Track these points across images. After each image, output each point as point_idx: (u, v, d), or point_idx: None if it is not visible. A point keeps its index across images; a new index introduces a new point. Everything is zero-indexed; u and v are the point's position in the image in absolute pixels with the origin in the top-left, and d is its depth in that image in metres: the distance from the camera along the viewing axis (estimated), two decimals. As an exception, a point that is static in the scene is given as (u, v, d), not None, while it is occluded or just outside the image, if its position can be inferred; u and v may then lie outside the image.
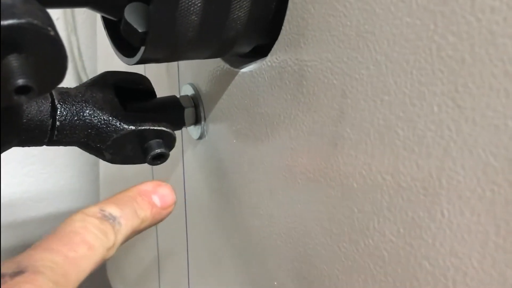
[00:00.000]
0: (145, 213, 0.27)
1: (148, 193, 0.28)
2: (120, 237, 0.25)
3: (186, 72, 0.42)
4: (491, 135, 0.18)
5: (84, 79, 0.87)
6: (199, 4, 0.26)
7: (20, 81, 0.19)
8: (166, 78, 0.47)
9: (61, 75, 0.22)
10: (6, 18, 0.19)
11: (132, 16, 0.27)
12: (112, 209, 0.25)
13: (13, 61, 0.20)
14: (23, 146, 0.34)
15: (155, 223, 0.28)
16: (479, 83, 0.18)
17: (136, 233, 0.27)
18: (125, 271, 0.79)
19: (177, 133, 0.40)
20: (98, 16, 0.49)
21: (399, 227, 0.23)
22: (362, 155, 0.24)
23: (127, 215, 0.26)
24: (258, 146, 0.34)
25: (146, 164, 0.41)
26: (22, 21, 0.20)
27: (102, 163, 0.82)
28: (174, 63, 0.44)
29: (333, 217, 0.27)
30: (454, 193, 0.20)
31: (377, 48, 0.22)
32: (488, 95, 0.18)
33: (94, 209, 0.25)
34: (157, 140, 0.37)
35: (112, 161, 0.37)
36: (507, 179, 0.18)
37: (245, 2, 0.27)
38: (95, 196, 0.98)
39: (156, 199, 0.28)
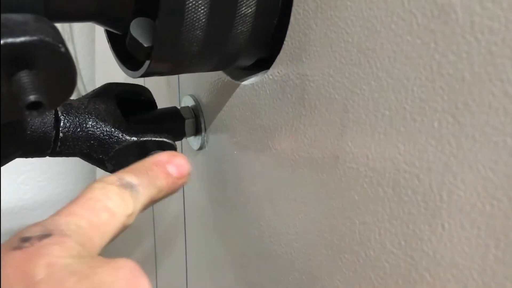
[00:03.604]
0: (161, 182, 0.27)
1: (163, 163, 0.28)
2: (139, 204, 0.26)
3: (187, 84, 0.43)
4: (491, 151, 0.19)
5: (81, 88, 0.88)
6: (203, 20, 0.27)
7: (32, 97, 0.20)
8: (166, 90, 0.47)
9: (70, 90, 0.22)
10: (19, 36, 0.20)
11: (137, 30, 0.27)
12: (130, 178, 0.26)
13: (24, 77, 0.20)
14: (26, 157, 0.34)
15: (171, 193, 0.29)
16: (479, 101, 0.19)
17: (154, 201, 0.28)
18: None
19: (177, 143, 0.40)
20: (96, 26, 0.50)
21: (400, 239, 0.23)
22: (363, 168, 0.25)
23: (144, 183, 0.26)
24: (259, 158, 0.34)
25: None
26: (34, 38, 0.20)
27: (100, 171, 0.82)
28: (175, 75, 0.45)
29: (334, 229, 0.28)
30: (455, 207, 0.20)
31: (378, 65, 0.23)
32: (487, 113, 0.18)
33: (113, 178, 0.25)
34: (158, 151, 0.38)
35: (113, 172, 0.37)
36: (506, 194, 0.18)
37: (248, 18, 0.28)
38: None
39: (171, 169, 0.28)
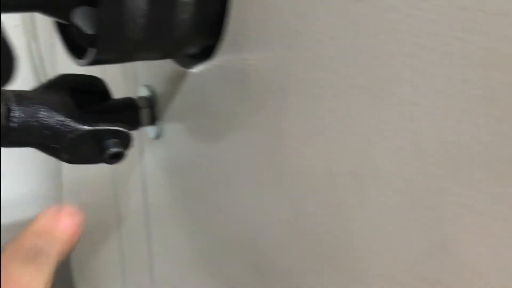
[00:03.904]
0: (55, 245, 0.28)
1: (51, 227, 0.29)
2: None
3: (142, 74, 0.44)
4: (401, 119, 0.20)
5: (45, 84, 0.87)
6: (144, 7, 0.27)
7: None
8: (122, 80, 0.48)
9: (9, 76, 0.23)
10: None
11: (80, 19, 0.28)
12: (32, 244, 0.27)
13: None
14: (-22, 148, 0.35)
15: (71, 247, 0.30)
16: (392, 73, 0.20)
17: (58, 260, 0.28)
18: (90, 273, 0.79)
19: (136, 133, 0.41)
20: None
21: (335, 210, 0.25)
22: (301, 147, 0.26)
23: (48, 252, 0.27)
24: (211, 143, 0.35)
25: (107, 166, 0.42)
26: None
27: (65, 169, 0.82)
28: (130, 66, 0.45)
29: (277, 203, 0.29)
30: (377, 175, 0.22)
31: (307, 45, 0.24)
32: (397, 84, 0.20)
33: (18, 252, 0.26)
34: (114, 139, 0.38)
35: (70, 161, 0.38)
36: (417, 159, 0.20)
37: (188, 5, 0.29)
38: (58, 202, 0.97)
39: (61, 230, 0.29)
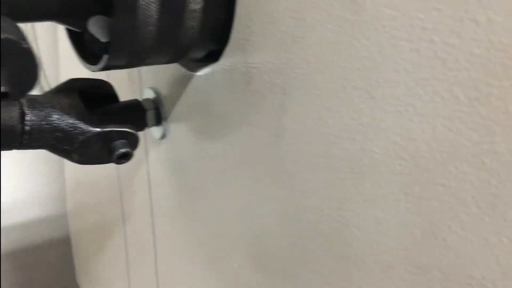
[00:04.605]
0: None
1: None
2: None
3: (147, 77, 0.46)
4: (396, 119, 0.22)
5: (45, 86, 0.89)
6: (155, 16, 0.29)
7: (1, 88, 0.22)
8: (128, 83, 0.50)
9: (33, 82, 0.25)
10: (-15, 34, 0.22)
11: (95, 27, 0.30)
12: None
13: (-8, 70, 0.23)
14: (-6, 150, 0.36)
15: None
16: (386, 77, 0.22)
17: None
18: (94, 272, 0.81)
19: (141, 134, 0.43)
20: (58, 26, 0.52)
21: (334, 202, 0.27)
22: (301, 143, 0.28)
23: None
24: (215, 142, 0.37)
25: (112, 167, 0.44)
26: (1, 37, 0.22)
27: (68, 170, 0.84)
28: (135, 70, 0.47)
29: (278, 199, 0.31)
30: (374, 169, 0.24)
31: (308, 50, 0.26)
32: (393, 87, 0.22)
33: None
34: (122, 140, 0.40)
35: (80, 162, 0.40)
36: (409, 154, 0.22)
37: (196, 13, 0.31)
38: (61, 202, 0.99)
39: None
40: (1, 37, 0.23)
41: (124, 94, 0.47)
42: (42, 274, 1.00)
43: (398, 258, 0.24)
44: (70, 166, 0.83)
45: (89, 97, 0.41)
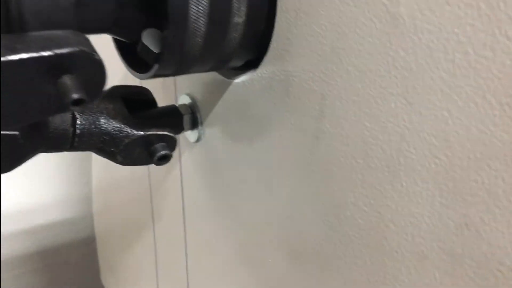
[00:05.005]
0: None
1: None
2: None
3: (182, 84, 0.48)
4: (432, 122, 0.25)
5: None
6: (203, 29, 0.32)
7: (76, 96, 0.25)
8: (162, 90, 0.53)
9: (102, 90, 0.27)
10: (64, 47, 0.25)
11: (148, 39, 0.32)
12: None
13: (68, 79, 0.25)
14: (47, 152, 0.39)
15: None
16: (423, 84, 0.25)
17: None
18: (120, 272, 0.83)
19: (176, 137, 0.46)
20: (93, 36, 0.54)
21: (370, 199, 0.29)
22: (339, 145, 0.31)
23: None
24: (252, 145, 0.40)
25: (142, 167, 0.46)
26: (76, 49, 0.25)
27: (95, 171, 0.87)
28: (171, 77, 0.50)
29: (317, 197, 0.34)
30: (409, 168, 0.26)
31: (347, 60, 0.29)
32: (429, 93, 0.24)
33: None
34: (162, 143, 0.43)
35: (123, 163, 0.43)
36: (444, 153, 0.24)
37: (239, 26, 0.34)
38: (86, 204, 1.02)
39: None
40: (77, 49, 0.25)
41: (159, 100, 0.50)
42: (67, 274, 1.03)
43: (433, 249, 0.26)
44: (97, 167, 0.86)
45: (130, 103, 0.44)
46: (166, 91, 0.52)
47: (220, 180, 0.46)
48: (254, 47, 0.36)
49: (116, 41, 0.38)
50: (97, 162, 0.84)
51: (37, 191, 1.03)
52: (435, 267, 0.26)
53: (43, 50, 0.24)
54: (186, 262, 0.57)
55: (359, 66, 0.28)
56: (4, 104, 0.24)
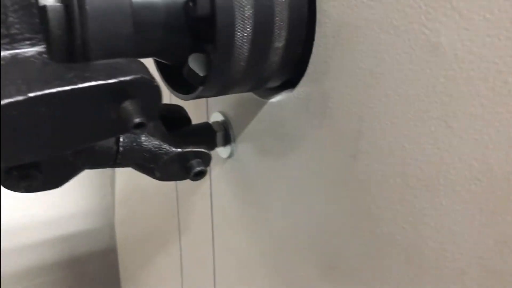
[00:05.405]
0: None
1: None
2: None
3: (214, 102, 0.50)
4: (472, 146, 0.26)
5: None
6: (246, 54, 0.34)
7: (137, 120, 0.27)
8: (193, 107, 0.55)
9: (157, 112, 0.29)
10: (127, 75, 0.27)
11: (194, 63, 0.34)
12: None
13: (130, 105, 0.27)
14: (92, 169, 0.41)
15: None
16: (463, 110, 0.26)
17: None
18: (142, 283, 0.85)
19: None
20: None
21: (409, 216, 0.31)
22: (377, 164, 0.32)
23: None
24: (286, 162, 0.41)
25: (170, 183, 0.47)
26: (138, 76, 0.27)
27: (118, 182, 0.89)
28: (203, 94, 0.52)
29: (354, 214, 0.35)
30: (449, 188, 0.28)
31: (387, 85, 0.30)
32: (469, 119, 0.26)
33: None
34: (197, 159, 0.45)
35: (161, 178, 0.44)
36: (485, 175, 0.26)
37: (279, 50, 0.35)
38: (106, 216, 1.04)
39: None
40: (139, 76, 0.27)
41: (190, 117, 0.52)
42: (87, 284, 1.05)
43: (472, 265, 0.28)
44: (121, 178, 0.88)
45: (166, 120, 0.46)
46: (198, 108, 0.54)
47: (252, 196, 0.48)
48: (292, 69, 0.38)
49: (158, 64, 0.40)
50: (121, 173, 0.86)
51: (58, 203, 1.05)
52: (474, 282, 0.28)
53: (110, 78, 0.26)
54: (214, 276, 0.58)
55: (398, 90, 0.30)
56: (73, 128, 0.26)
